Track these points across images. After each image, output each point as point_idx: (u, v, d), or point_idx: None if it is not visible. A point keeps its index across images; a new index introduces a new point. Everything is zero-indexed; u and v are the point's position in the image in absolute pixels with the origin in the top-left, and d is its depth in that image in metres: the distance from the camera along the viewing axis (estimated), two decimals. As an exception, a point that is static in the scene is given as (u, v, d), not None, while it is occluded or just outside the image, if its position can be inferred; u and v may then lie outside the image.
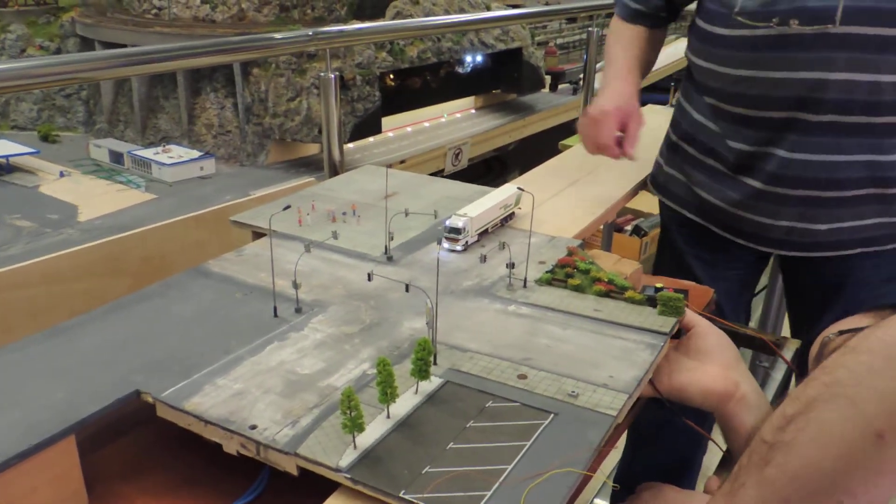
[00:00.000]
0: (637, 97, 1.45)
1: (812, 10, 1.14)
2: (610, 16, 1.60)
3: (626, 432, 1.73)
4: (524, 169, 1.70)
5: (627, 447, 1.74)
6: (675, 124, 1.52)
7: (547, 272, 1.04)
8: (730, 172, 1.36)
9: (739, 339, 1.15)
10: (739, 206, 1.36)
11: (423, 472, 0.65)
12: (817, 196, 1.26)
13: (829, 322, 0.94)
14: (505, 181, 1.56)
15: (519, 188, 1.23)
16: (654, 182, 1.60)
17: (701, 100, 1.40)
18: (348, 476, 0.65)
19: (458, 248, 1.13)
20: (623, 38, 1.52)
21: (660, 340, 0.87)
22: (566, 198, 1.48)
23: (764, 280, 2.04)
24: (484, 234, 1.19)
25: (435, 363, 0.81)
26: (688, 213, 1.49)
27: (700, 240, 1.49)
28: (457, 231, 1.13)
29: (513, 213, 1.27)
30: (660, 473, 1.00)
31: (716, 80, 1.32)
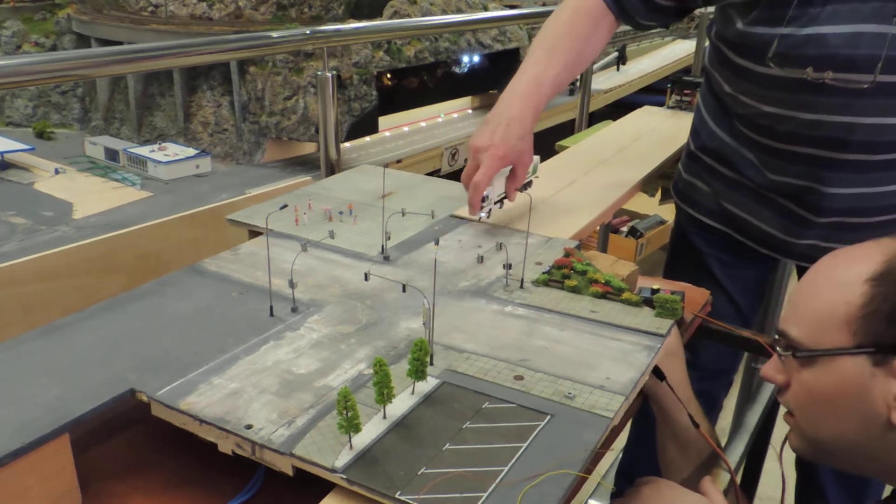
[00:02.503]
0: (532, 128, 1.24)
1: (852, 59, 1.09)
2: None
3: (629, 426, 1.74)
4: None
5: (630, 441, 1.75)
6: (694, 134, 1.51)
7: (544, 273, 1.04)
8: (754, 188, 1.35)
9: (735, 342, 1.15)
10: (764, 222, 1.37)
11: (420, 473, 0.65)
12: (843, 221, 1.27)
13: None
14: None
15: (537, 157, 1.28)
16: (674, 188, 1.60)
17: (721, 115, 1.39)
18: (344, 477, 0.64)
19: (483, 214, 1.18)
20: (570, 26, 1.32)
21: (656, 342, 0.87)
22: (563, 199, 1.48)
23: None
24: (502, 201, 1.23)
25: (431, 364, 0.81)
26: (708, 220, 1.49)
27: (719, 242, 1.49)
28: (482, 199, 1.15)
29: (531, 181, 1.29)
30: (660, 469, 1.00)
31: (741, 107, 1.30)
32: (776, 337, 0.88)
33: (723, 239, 1.47)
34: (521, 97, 1.24)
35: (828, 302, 0.78)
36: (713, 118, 1.42)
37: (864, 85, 1.09)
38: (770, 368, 0.86)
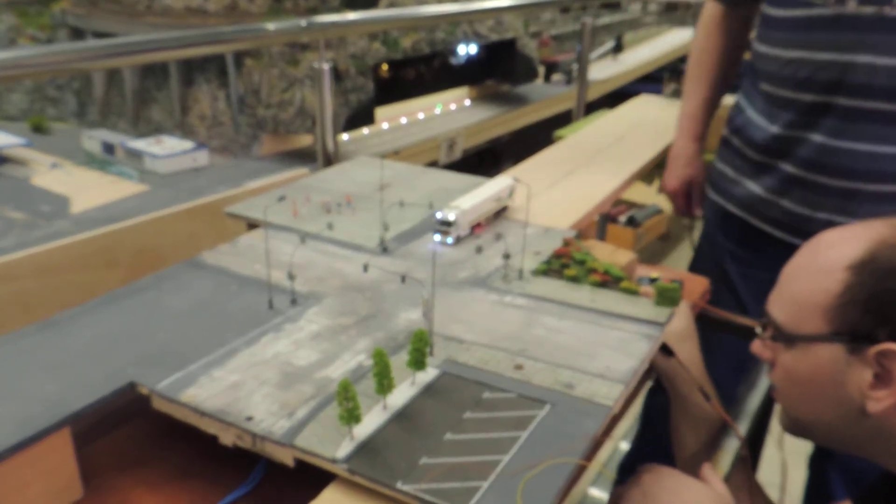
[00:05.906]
0: (700, 154, 1.60)
1: None
2: (604, 7, 1.60)
3: (635, 422, 1.74)
4: (518, 160, 1.70)
5: (636, 438, 1.75)
6: (729, 120, 1.50)
7: (543, 263, 1.04)
8: (769, 159, 1.33)
9: (736, 330, 1.16)
10: (776, 192, 1.33)
11: (420, 462, 0.65)
12: (858, 189, 1.22)
13: None
14: (499, 172, 1.56)
15: (514, 178, 1.23)
16: (708, 178, 1.60)
17: (756, 92, 1.38)
18: (345, 467, 0.65)
19: (449, 241, 1.12)
20: (702, 46, 1.55)
21: (656, 331, 0.88)
22: (561, 189, 1.48)
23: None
24: (477, 227, 1.18)
25: (431, 354, 0.81)
26: (729, 206, 1.46)
27: (738, 235, 1.46)
28: (447, 224, 1.11)
29: (506, 206, 1.26)
30: (666, 457, 1.00)
31: (770, 63, 1.32)
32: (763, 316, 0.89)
33: (741, 228, 1.43)
34: (680, 135, 1.60)
35: (807, 287, 0.77)
36: (749, 99, 1.42)
37: (884, 8, 1.12)
38: (758, 345, 0.87)
